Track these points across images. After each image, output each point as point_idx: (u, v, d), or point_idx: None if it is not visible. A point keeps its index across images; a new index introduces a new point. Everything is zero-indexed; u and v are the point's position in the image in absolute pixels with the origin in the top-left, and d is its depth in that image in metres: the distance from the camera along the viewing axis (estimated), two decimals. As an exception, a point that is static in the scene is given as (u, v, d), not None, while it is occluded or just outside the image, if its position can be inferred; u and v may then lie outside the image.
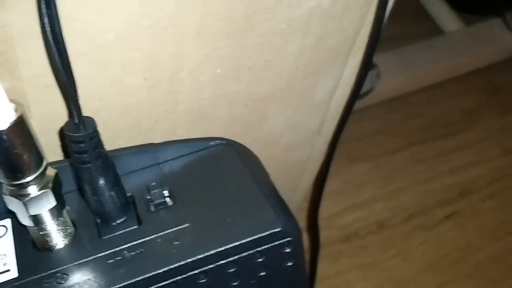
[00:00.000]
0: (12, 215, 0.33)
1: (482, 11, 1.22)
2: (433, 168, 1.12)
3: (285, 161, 0.53)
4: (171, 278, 0.32)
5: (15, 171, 0.29)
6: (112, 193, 0.33)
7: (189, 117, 0.41)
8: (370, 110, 1.13)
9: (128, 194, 0.35)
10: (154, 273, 0.31)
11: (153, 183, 0.35)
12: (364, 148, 1.13)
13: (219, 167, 0.37)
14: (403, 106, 1.17)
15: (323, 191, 0.58)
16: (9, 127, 0.27)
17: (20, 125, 0.28)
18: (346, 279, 1.00)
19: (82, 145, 0.30)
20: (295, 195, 0.64)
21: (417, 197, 1.09)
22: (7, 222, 0.34)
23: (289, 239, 0.33)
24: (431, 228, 1.06)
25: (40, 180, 0.30)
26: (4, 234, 0.33)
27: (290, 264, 0.34)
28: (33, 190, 0.30)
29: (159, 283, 0.31)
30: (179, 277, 0.32)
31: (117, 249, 0.33)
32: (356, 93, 0.47)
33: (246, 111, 0.43)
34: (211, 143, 0.38)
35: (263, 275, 0.34)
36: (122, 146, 0.37)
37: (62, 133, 0.32)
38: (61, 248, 0.33)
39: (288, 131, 0.48)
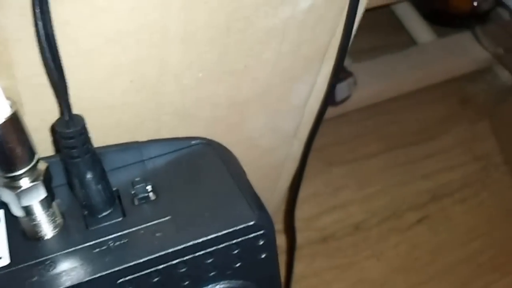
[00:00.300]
0: (4, 206, 0.34)
1: (454, 24, 1.23)
2: (407, 173, 1.13)
3: (263, 162, 0.54)
4: (153, 267, 0.33)
5: (8, 164, 0.30)
6: (99, 186, 0.34)
7: (173, 118, 0.42)
8: (348, 116, 1.14)
9: (114, 189, 0.36)
10: (137, 262, 0.32)
11: (137, 179, 0.36)
12: (342, 153, 1.14)
13: (199, 165, 0.38)
14: (379, 113, 1.18)
15: (298, 192, 0.59)
16: (4, 122, 0.28)
17: (15, 120, 0.29)
18: (323, 279, 1.01)
19: (71, 140, 0.32)
20: (273, 197, 0.65)
21: (391, 201, 1.10)
22: (0, 213, 0.35)
23: (262, 232, 0.34)
24: (404, 231, 1.07)
25: (32, 173, 0.31)
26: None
27: (263, 256, 0.35)
28: (25, 182, 0.31)
29: (142, 271, 0.33)
30: (160, 266, 0.33)
31: (103, 239, 0.34)
32: (328, 98, 0.49)
33: (226, 113, 0.44)
34: (192, 142, 0.39)
35: (238, 266, 0.35)
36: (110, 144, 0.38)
37: (53, 130, 0.33)
38: (50, 238, 0.34)
39: (266, 133, 0.50)
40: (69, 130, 0.31)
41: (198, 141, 0.39)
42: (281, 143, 0.53)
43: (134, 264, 0.32)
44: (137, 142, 0.38)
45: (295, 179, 0.61)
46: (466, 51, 1.20)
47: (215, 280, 0.35)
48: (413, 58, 1.18)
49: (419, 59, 1.18)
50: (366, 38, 1.10)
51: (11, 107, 0.29)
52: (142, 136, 0.40)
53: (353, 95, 1.07)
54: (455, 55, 1.19)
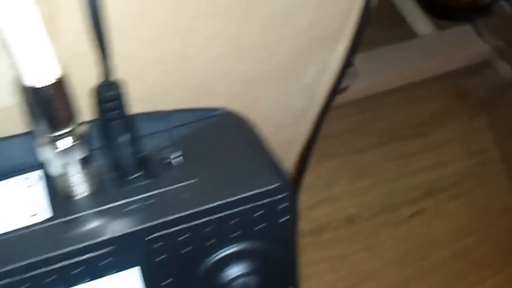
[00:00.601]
0: (43, 166, 0.38)
1: (455, 17, 1.27)
2: (401, 167, 1.16)
3: (272, 140, 0.58)
4: (180, 225, 0.37)
5: (53, 123, 0.34)
6: (132, 149, 0.38)
7: (192, 92, 0.45)
8: (343, 109, 1.17)
9: (144, 153, 0.40)
10: (164, 220, 0.36)
11: (166, 144, 0.40)
12: (336, 145, 1.17)
13: (223, 133, 0.42)
14: (375, 107, 1.22)
15: (304, 174, 0.63)
16: (55, 82, 0.32)
17: (64, 82, 0.33)
18: (315, 270, 1.04)
19: (111, 103, 0.36)
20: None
21: (385, 195, 1.13)
22: (39, 172, 0.39)
23: (285, 194, 0.38)
24: (397, 224, 1.10)
25: (73, 134, 0.35)
26: (38, 183, 0.38)
27: (285, 219, 0.39)
28: (66, 142, 0.35)
29: (169, 229, 0.36)
30: (187, 225, 0.37)
31: (133, 199, 0.37)
32: (340, 79, 0.53)
33: (241, 89, 0.48)
34: (215, 112, 0.43)
35: (260, 228, 0.39)
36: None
37: (94, 92, 0.36)
38: (84, 197, 0.37)
39: (277, 111, 0.53)
40: (110, 92, 0.35)
41: (220, 111, 0.43)
42: (291, 121, 0.57)
43: (162, 222, 0.36)
44: (164, 111, 0.42)
45: (301, 161, 0.65)
46: (466, 44, 1.24)
47: (238, 240, 0.39)
48: (412, 50, 1.21)
49: (418, 52, 1.21)
50: (366, 31, 1.13)
51: (62, 68, 0.32)
52: (165, 108, 0.44)
53: (352, 85, 1.10)
54: (455, 48, 1.23)
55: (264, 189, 0.37)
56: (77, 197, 0.38)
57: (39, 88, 0.32)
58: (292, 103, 0.54)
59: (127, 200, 0.37)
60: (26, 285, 0.34)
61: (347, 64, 0.52)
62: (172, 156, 0.40)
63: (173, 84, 0.44)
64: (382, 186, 1.14)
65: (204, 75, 0.45)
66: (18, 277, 0.34)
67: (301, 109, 0.56)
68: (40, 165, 0.38)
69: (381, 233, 1.10)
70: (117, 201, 0.37)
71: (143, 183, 0.38)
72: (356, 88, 1.12)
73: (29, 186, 0.38)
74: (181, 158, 0.40)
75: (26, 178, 0.39)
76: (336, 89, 0.54)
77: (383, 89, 1.19)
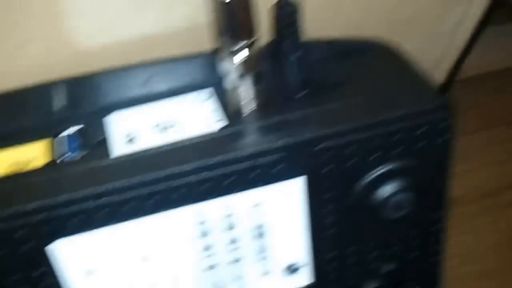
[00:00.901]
0: (216, 83, 0.43)
1: None
2: (509, 151, 1.17)
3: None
4: (347, 137, 0.40)
5: (235, 36, 0.38)
6: (300, 69, 0.42)
7: (342, 28, 0.49)
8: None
9: (310, 73, 0.44)
10: (334, 130, 0.39)
11: (329, 67, 0.44)
12: None
13: (382, 59, 0.46)
14: (484, 87, 1.22)
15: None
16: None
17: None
18: (416, 250, 1.05)
19: (287, 21, 0.40)
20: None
21: (490, 178, 1.12)
22: (211, 89, 0.44)
23: (446, 115, 0.41)
24: (502, 209, 1.10)
25: (252, 47, 0.39)
26: (210, 98, 0.43)
27: (444, 139, 0.42)
28: (244, 55, 0.39)
29: (338, 140, 0.40)
30: (354, 137, 0.40)
31: (302, 112, 0.41)
32: (477, 34, 0.55)
33: (386, 31, 0.51)
34: (373, 42, 0.47)
35: (421, 146, 0.42)
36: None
37: (271, 11, 0.41)
38: (255, 110, 0.42)
39: (416, 57, 0.57)
40: (287, 11, 0.40)
41: (377, 41, 0.47)
42: (426, 69, 0.59)
43: (332, 133, 0.39)
44: (325, 38, 0.46)
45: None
46: None
47: (398, 157, 0.42)
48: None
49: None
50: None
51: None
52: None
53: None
54: None
55: (426, 107, 0.41)
56: (248, 111, 0.41)
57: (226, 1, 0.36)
58: (429, 51, 0.57)
59: (296, 113, 0.41)
60: (208, 184, 0.39)
61: (485, 20, 0.54)
62: (333, 79, 0.43)
63: (325, 20, 0.47)
64: (487, 170, 1.14)
65: (354, 12, 0.48)
66: (199, 177, 0.38)
67: (436, 59, 0.59)
68: (212, 83, 0.43)
69: (485, 216, 1.09)
70: (287, 114, 0.41)
71: (309, 100, 0.42)
72: (466, 67, 1.13)
73: (203, 101, 0.43)
74: (343, 79, 0.43)
75: (199, 95, 0.43)
76: (471, 45, 0.56)
77: (493, 69, 1.19)
